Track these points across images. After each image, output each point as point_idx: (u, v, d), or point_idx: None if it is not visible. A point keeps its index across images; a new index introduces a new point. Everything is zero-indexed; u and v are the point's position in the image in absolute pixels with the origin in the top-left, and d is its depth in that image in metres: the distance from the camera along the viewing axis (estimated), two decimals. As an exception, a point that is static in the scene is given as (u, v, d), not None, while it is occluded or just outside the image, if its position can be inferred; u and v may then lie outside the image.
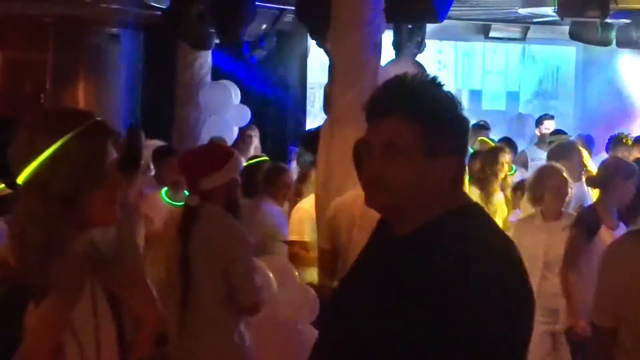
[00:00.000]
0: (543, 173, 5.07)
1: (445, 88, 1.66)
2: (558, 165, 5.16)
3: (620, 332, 3.09)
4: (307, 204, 4.75)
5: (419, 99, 1.61)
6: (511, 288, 1.55)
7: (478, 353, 1.48)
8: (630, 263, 3.17)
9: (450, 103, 1.63)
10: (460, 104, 1.65)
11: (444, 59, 11.04)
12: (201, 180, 3.43)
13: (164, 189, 4.87)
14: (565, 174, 5.00)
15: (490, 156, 6.14)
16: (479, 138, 7.49)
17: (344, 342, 1.60)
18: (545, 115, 9.20)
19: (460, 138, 1.62)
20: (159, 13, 7.82)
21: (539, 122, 8.96)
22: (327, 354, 1.64)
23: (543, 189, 4.80)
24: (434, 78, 1.69)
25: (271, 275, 3.88)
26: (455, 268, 1.54)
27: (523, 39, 10.41)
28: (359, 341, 1.59)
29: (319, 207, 4.47)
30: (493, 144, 7.17)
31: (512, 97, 11.58)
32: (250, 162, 5.65)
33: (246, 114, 8.16)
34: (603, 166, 4.91)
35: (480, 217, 1.68)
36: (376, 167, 1.63)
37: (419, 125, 1.57)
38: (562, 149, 6.30)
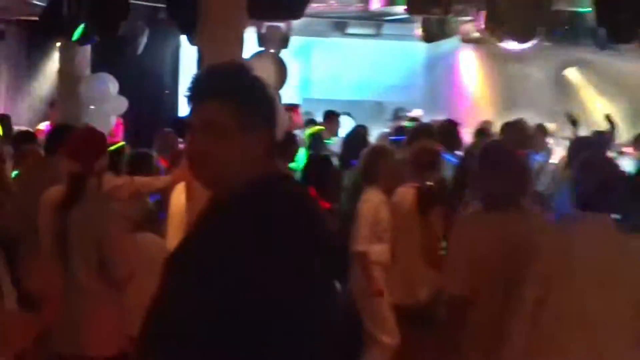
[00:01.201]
0: (376, 153, 5.29)
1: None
2: (389, 146, 5.55)
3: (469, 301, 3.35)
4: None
5: (231, 83, 1.71)
6: (305, 248, 1.63)
7: (271, 301, 1.55)
8: (473, 237, 3.45)
9: (258, 86, 1.74)
10: (266, 85, 1.77)
11: (306, 53, 11.23)
12: (95, 163, 3.55)
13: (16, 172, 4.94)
14: (397, 155, 5.21)
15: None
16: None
17: (169, 296, 1.68)
18: (401, 107, 9.88)
19: (268, 115, 1.72)
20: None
21: (395, 110, 9.60)
22: (156, 307, 1.69)
23: (377, 168, 5.04)
24: (244, 65, 1.86)
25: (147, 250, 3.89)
26: (255, 226, 1.63)
27: (377, 35, 10.62)
28: (179, 295, 1.65)
29: (188, 186, 4.64)
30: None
31: (370, 87, 11.77)
32: (111, 147, 5.64)
33: (123, 104, 8.22)
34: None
35: (288, 183, 1.79)
36: (198, 144, 1.71)
37: (233, 105, 1.65)
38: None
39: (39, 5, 7.81)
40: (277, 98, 6.75)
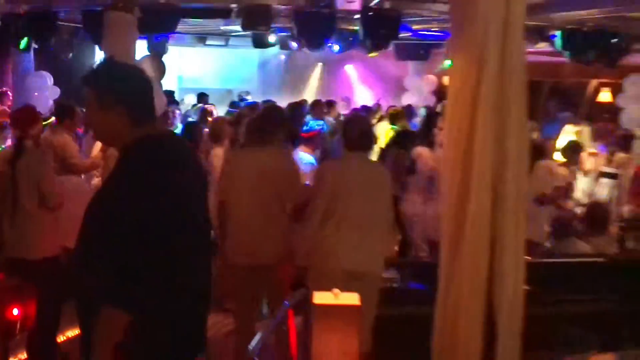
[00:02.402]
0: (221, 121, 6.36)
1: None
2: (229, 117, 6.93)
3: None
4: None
5: (95, 77, 2.05)
6: (169, 181, 1.92)
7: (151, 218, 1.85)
8: (237, 163, 4.11)
9: (121, 77, 2.01)
10: (139, 79, 2.04)
11: (179, 57, 12.38)
12: (30, 128, 4.01)
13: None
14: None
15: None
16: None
17: (86, 220, 1.96)
18: (242, 92, 11.62)
19: (123, 96, 1.94)
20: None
21: (239, 95, 11.30)
22: (81, 229, 1.97)
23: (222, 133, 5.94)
24: (117, 64, 2.16)
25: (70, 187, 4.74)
26: (132, 166, 1.95)
27: (226, 45, 11.56)
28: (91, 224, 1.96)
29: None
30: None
31: (222, 80, 13.10)
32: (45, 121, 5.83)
33: (57, 92, 8.99)
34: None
35: (160, 138, 2.06)
36: (86, 117, 2.24)
37: (94, 92, 1.97)
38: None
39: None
40: (156, 87, 7.55)
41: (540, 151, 6.03)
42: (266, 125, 4.14)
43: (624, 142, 7.24)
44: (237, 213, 3.97)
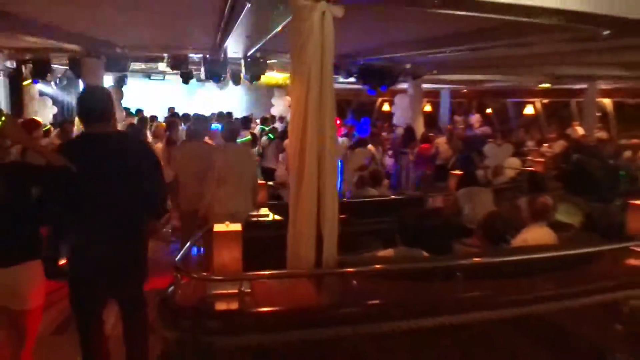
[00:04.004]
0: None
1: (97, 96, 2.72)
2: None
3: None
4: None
5: (78, 97, 2.99)
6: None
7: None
8: (182, 153, 5.23)
9: (87, 98, 2.74)
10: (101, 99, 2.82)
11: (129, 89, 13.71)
12: (33, 132, 4.96)
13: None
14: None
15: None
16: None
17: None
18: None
19: (79, 108, 2.79)
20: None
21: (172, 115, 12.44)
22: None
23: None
24: (91, 89, 3.22)
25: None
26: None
27: (163, 79, 13.79)
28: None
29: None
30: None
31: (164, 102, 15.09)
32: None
33: (54, 110, 11.43)
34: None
35: (94, 133, 2.66)
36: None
37: (79, 106, 2.86)
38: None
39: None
40: (117, 105, 10.79)
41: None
42: (196, 128, 5.66)
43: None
44: (184, 181, 5.38)
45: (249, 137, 9.34)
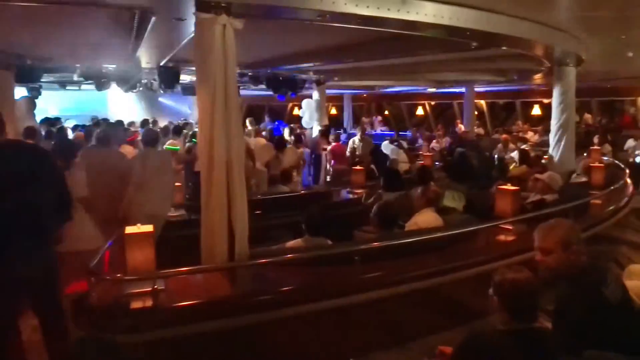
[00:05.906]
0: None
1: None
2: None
3: None
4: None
5: None
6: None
7: None
8: (92, 162, 4.82)
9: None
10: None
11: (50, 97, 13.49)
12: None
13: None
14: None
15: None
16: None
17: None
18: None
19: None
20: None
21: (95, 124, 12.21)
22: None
23: None
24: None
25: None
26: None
27: (79, 89, 12.96)
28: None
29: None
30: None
31: (73, 110, 15.35)
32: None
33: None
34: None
35: (17, 141, 2.80)
36: None
37: None
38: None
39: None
40: (29, 115, 9.83)
41: (283, 142, 9.09)
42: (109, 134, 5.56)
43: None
44: (94, 190, 4.70)
45: (178, 147, 8.92)
